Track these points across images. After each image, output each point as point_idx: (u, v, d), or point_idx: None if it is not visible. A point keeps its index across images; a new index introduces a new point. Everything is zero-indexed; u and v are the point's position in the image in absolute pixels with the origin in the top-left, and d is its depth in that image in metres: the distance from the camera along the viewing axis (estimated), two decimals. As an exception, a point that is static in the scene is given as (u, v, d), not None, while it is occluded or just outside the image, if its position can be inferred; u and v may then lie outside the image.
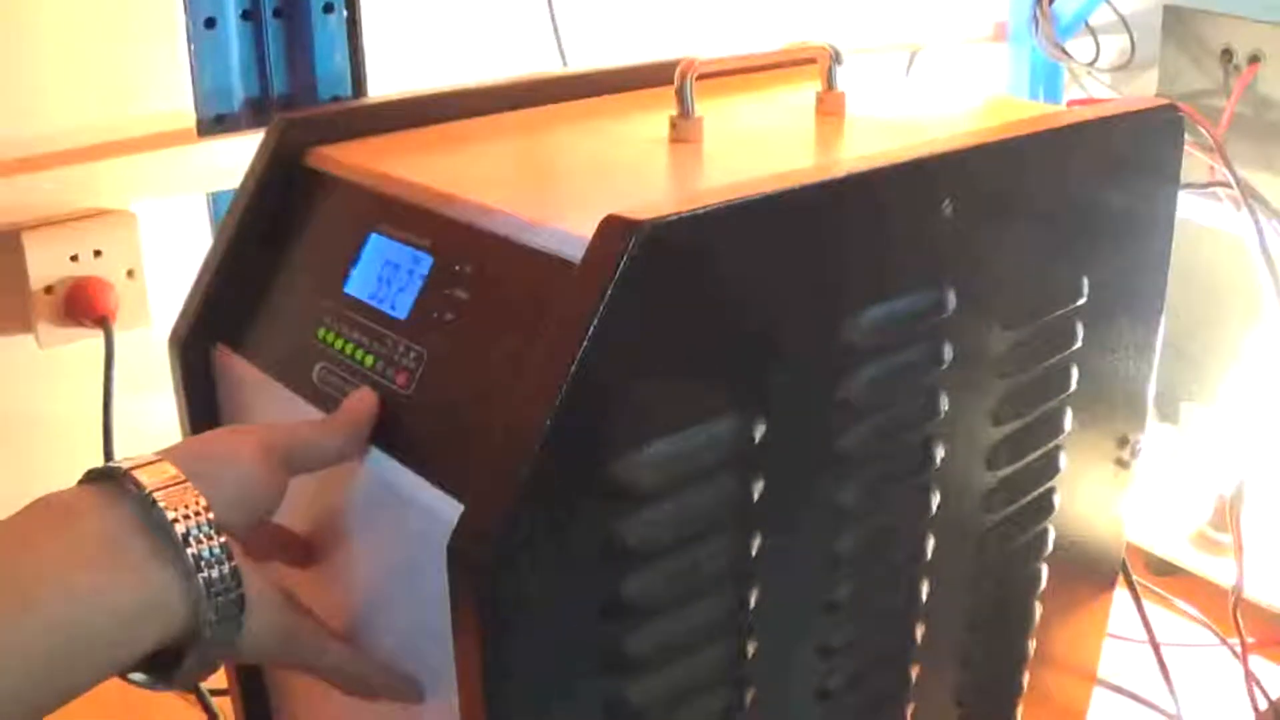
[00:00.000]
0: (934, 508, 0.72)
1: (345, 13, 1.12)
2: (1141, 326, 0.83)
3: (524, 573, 0.55)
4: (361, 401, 0.65)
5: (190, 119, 1.08)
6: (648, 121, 0.78)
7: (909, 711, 0.77)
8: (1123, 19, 1.43)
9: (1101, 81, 1.46)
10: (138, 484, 0.56)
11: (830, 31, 0.86)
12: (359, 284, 0.70)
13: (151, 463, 0.58)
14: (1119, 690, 1.02)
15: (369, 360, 0.66)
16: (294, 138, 0.76)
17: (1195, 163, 1.02)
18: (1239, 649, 0.99)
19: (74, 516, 0.56)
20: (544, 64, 1.23)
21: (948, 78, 1.53)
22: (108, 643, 0.54)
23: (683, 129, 0.75)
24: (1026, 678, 0.86)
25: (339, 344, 0.69)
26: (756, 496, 0.62)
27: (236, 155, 0.94)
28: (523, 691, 0.57)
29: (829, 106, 0.81)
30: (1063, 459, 0.80)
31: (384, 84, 1.15)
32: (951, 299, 0.69)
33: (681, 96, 0.74)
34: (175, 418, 0.78)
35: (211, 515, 0.56)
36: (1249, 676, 0.97)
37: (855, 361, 0.65)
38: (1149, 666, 0.98)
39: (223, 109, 1.09)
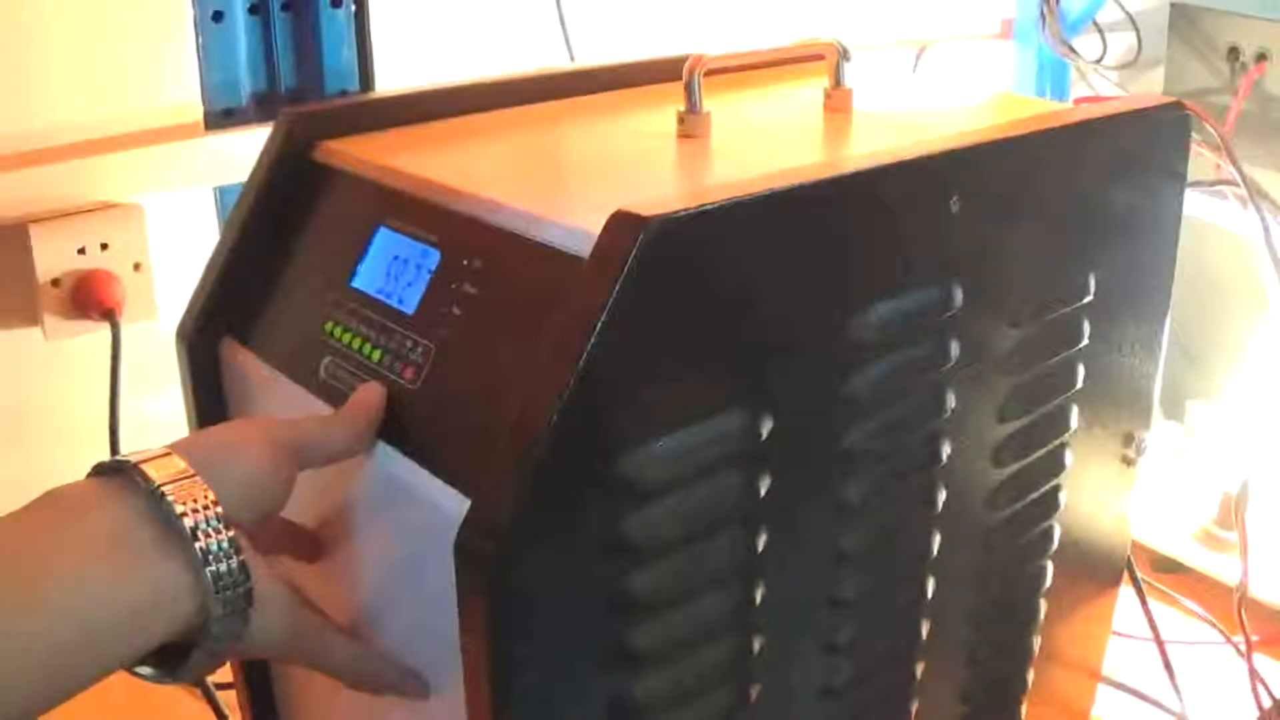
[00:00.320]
0: (940, 504, 0.72)
1: (353, 7, 1.12)
2: (1147, 324, 0.83)
3: (530, 568, 0.55)
4: (370, 394, 0.65)
5: (198, 112, 1.08)
6: (656, 117, 0.79)
7: (914, 708, 0.77)
8: (1130, 16, 1.42)
9: (1108, 79, 1.46)
10: (146, 477, 0.56)
11: (838, 28, 0.86)
12: (366, 278, 0.70)
13: (160, 456, 0.58)
14: (1123, 688, 1.02)
15: (376, 355, 0.66)
16: (301, 132, 0.76)
17: (1202, 161, 1.02)
18: (1243, 647, 0.99)
19: (83, 510, 0.56)
20: (552, 59, 1.23)
21: (955, 74, 1.52)
22: (116, 635, 0.54)
23: (690, 125, 0.75)
24: (1031, 675, 0.86)
25: (346, 338, 0.69)
26: (763, 493, 0.63)
27: (244, 149, 0.94)
28: (529, 686, 0.57)
29: (836, 103, 0.81)
30: (1068, 456, 0.80)
31: (392, 78, 1.15)
32: (958, 296, 0.69)
33: (689, 92, 0.74)
34: (182, 411, 0.78)
35: (220, 509, 0.56)
36: (1253, 674, 0.97)
37: (862, 358, 0.65)
38: (1153, 664, 0.98)
39: (230, 103, 1.09)
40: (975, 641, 0.80)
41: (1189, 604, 1.10)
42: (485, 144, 0.78)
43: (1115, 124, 0.76)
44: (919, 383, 0.69)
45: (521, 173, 0.75)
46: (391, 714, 0.68)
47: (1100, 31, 1.43)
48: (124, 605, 0.54)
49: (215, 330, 0.76)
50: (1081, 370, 0.78)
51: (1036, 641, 0.85)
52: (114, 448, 1.01)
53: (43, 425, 1.07)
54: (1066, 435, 0.79)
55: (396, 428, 0.64)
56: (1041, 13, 1.35)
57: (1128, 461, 0.86)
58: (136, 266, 1.05)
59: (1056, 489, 0.81)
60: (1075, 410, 0.79)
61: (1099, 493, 0.85)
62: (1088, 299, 0.76)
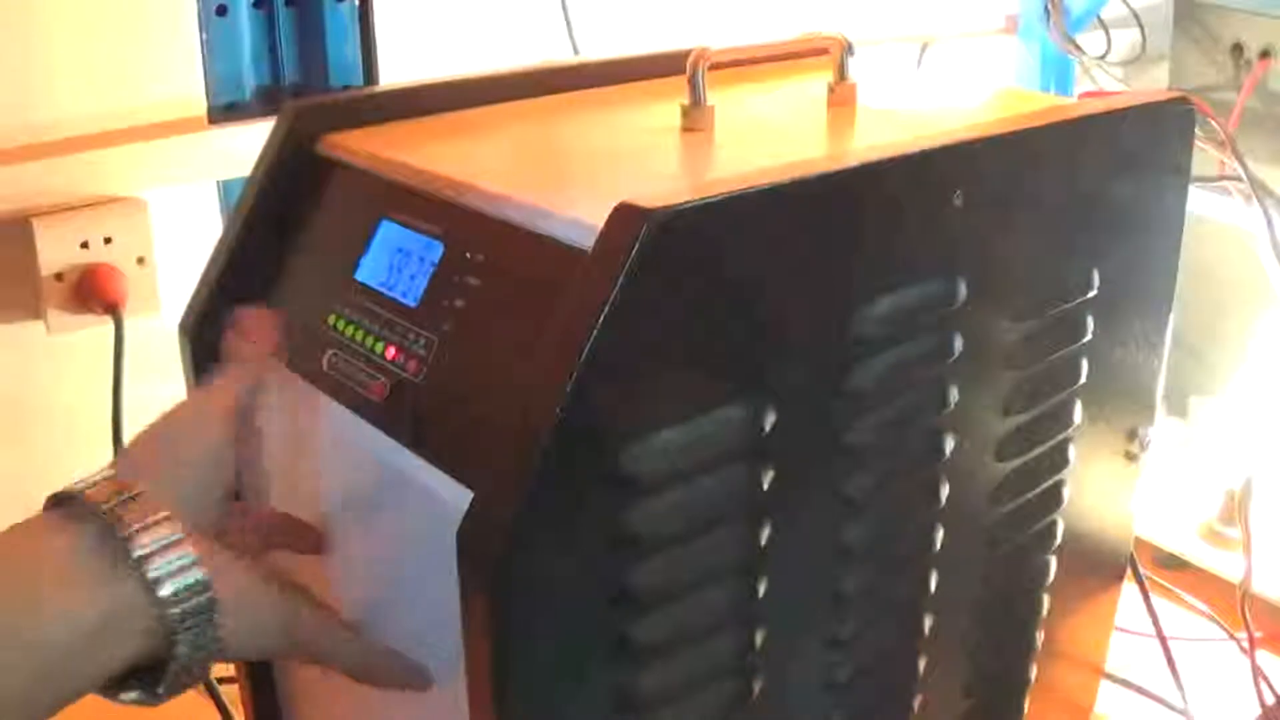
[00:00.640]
0: (943, 499, 0.72)
1: (357, 1, 1.12)
2: (1151, 320, 0.82)
3: (533, 560, 0.55)
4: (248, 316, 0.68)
5: (201, 106, 1.08)
6: (659, 111, 0.78)
7: (917, 703, 0.77)
8: (1134, 13, 1.42)
9: (1112, 75, 1.46)
10: (93, 504, 0.56)
11: (842, 23, 0.86)
12: (370, 271, 0.70)
13: (105, 480, 0.58)
14: (1126, 684, 1.02)
15: (379, 347, 0.66)
16: (305, 125, 0.76)
17: (1206, 157, 1.02)
18: (1246, 643, 0.99)
19: (34, 542, 0.56)
20: (555, 53, 1.23)
21: (959, 70, 1.52)
22: (76, 662, 0.54)
23: (694, 118, 0.75)
24: (1034, 670, 0.86)
25: (349, 331, 0.69)
26: (766, 486, 0.62)
27: (247, 143, 0.94)
28: (531, 679, 0.57)
29: (841, 97, 0.81)
30: (1072, 452, 0.80)
31: (395, 72, 1.15)
32: (962, 290, 0.68)
33: (693, 86, 0.74)
34: (185, 405, 0.78)
35: (171, 524, 0.56)
36: (1256, 671, 0.97)
37: (865, 352, 0.65)
38: (1156, 660, 0.98)
39: (234, 97, 1.09)
40: (978, 636, 0.80)
41: (1192, 600, 1.10)
42: (488, 137, 0.78)
43: (1119, 119, 0.76)
44: (922, 377, 0.69)
45: (525, 166, 0.75)
46: (394, 707, 0.68)
47: (1104, 27, 1.42)
48: (80, 629, 0.54)
49: (218, 324, 0.76)
50: (1085, 365, 0.78)
51: (1039, 637, 0.85)
52: (116, 441, 1.01)
53: (45, 419, 1.07)
54: (1070, 430, 0.79)
55: (399, 420, 0.64)
56: (1046, 8, 1.35)
57: (1131, 457, 0.85)
58: (140, 260, 1.05)
59: (1059, 484, 0.81)
60: (1079, 405, 0.79)
61: (1102, 488, 0.85)
62: (1091, 294, 0.76)
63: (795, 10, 1.29)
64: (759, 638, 0.65)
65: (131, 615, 0.55)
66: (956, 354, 0.69)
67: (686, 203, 0.56)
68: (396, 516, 0.65)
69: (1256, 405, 1.21)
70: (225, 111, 1.09)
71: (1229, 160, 1.03)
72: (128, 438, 1.00)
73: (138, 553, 0.55)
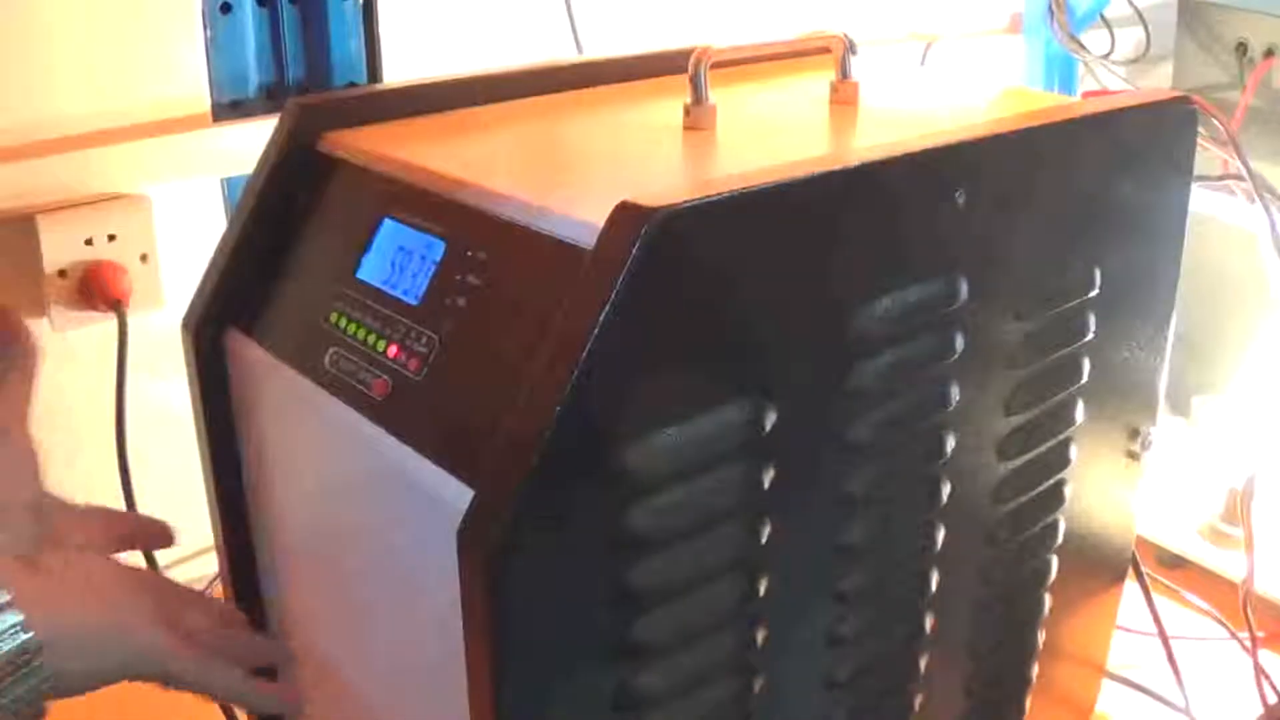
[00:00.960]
0: (944, 498, 0.72)
1: (360, -1, 1.12)
2: (1153, 319, 0.82)
3: (534, 559, 0.55)
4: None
5: (205, 104, 1.08)
6: (662, 109, 0.78)
7: (917, 702, 0.77)
8: (1138, 12, 1.42)
9: (1116, 74, 1.46)
10: None
11: (845, 22, 0.86)
12: (372, 269, 0.70)
13: None
14: (1128, 683, 1.02)
15: (381, 345, 0.67)
16: (308, 123, 0.76)
17: (1209, 156, 1.02)
18: (1248, 642, 0.99)
19: None
20: (559, 51, 1.23)
21: (962, 69, 1.52)
22: None
23: (696, 117, 0.75)
24: (1035, 669, 0.86)
25: (351, 329, 0.69)
26: (767, 485, 0.63)
27: (251, 140, 0.94)
28: (531, 678, 0.57)
29: (843, 96, 0.81)
30: (1074, 450, 0.80)
31: (399, 70, 1.15)
32: (964, 289, 0.68)
33: (695, 84, 0.74)
34: (188, 401, 0.78)
35: None
36: (1258, 670, 0.97)
37: (867, 351, 0.65)
38: (1158, 659, 0.98)
39: (238, 94, 1.10)
40: (979, 635, 0.80)
41: (1194, 599, 1.09)
42: (491, 136, 0.78)
43: (1122, 118, 0.76)
44: (923, 376, 0.69)
45: (527, 165, 0.75)
46: (396, 708, 0.68)
47: (1108, 26, 1.43)
48: None
49: (221, 321, 0.76)
50: (1087, 364, 0.78)
51: (1041, 636, 0.85)
52: (120, 438, 1.01)
53: (48, 415, 1.07)
54: (1071, 430, 0.79)
55: (400, 418, 0.64)
56: (1050, 8, 1.35)
57: (1133, 456, 0.85)
58: (143, 257, 1.05)
59: (1061, 483, 0.81)
60: (1080, 404, 0.79)
61: (1104, 487, 0.85)
62: (1093, 293, 0.76)
63: (798, 9, 1.29)
64: (759, 637, 0.65)
65: None
66: (958, 353, 0.69)
67: (688, 202, 0.56)
68: (396, 514, 0.65)
69: (1259, 404, 1.21)
70: (229, 109, 1.09)
71: (1232, 159, 1.03)
72: (131, 434, 1.01)
73: None
